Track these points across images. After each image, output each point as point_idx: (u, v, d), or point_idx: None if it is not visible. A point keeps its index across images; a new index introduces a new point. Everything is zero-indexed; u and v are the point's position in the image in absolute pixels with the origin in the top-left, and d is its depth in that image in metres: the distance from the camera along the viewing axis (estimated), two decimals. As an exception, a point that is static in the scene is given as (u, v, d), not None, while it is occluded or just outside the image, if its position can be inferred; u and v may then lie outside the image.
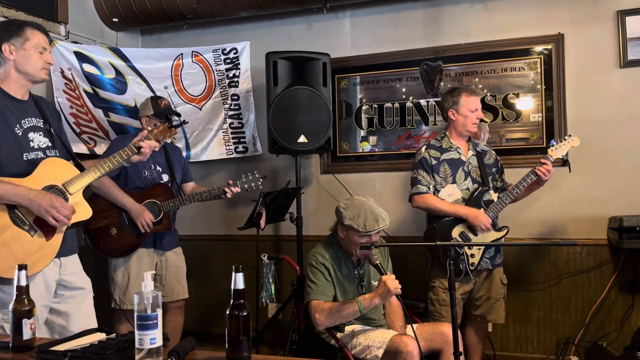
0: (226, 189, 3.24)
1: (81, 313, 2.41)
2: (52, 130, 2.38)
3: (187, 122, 3.23)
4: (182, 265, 3.44)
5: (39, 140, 2.31)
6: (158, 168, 3.28)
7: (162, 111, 3.23)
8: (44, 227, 2.19)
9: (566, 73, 3.55)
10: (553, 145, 3.01)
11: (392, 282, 2.35)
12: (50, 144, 2.36)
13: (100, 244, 3.11)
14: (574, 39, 3.54)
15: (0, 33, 2.27)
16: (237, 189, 3.28)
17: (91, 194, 3.08)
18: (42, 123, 2.35)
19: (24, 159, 2.24)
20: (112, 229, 3.12)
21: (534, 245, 3.58)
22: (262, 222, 3.30)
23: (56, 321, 2.37)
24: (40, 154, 2.30)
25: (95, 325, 2.40)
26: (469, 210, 2.98)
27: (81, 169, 2.39)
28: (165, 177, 3.31)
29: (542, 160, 2.97)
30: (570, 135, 3.07)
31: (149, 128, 3.22)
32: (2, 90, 2.26)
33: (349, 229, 2.55)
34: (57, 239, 2.24)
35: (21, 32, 2.26)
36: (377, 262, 2.42)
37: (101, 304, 3.47)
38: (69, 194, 2.26)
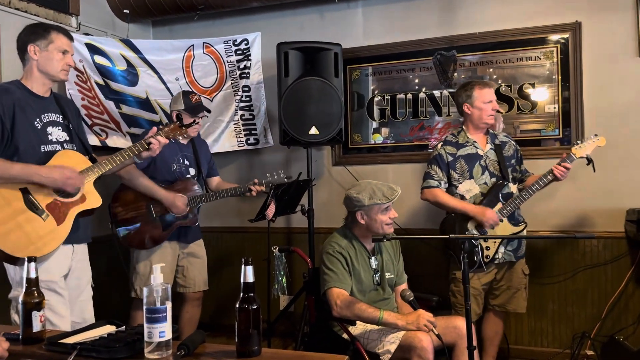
0: (252, 188, 3.25)
1: (80, 303, 2.52)
2: (71, 126, 2.51)
3: (198, 123, 3.24)
4: (204, 257, 3.46)
5: (57, 134, 2.45)
6: (186, 162, 3.30)
7: (192, 106, 3.25)
8: (55, 213, 2.33)
9: (583, 62, 3.47)
10: (577, 144, 2.96)
11: (424, 320, 2.33)
12: (68, 138, 2.49)
13: (127, 234, 3.14)
14: (592, 27, 3.45)
15: (28, 34, 2.43)
16: (262, 188, 3.28)
17: (121, 185, 3.12)
18: (61, 119, 2.49)
19: (42, 150, 2.37)
20: (140, 221, 3.13)
21: (551, 238, 3.53)
22: (270, 212, 3.28)
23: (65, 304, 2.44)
24: (58, 147, 2.43)
25: (92, 316, 2.55)
26: (476, 208, 2.96)
27: (94, 162, 2.52)
28: (192, 171, 3.32)
29: (563, 164, 2.92)
30: (596, 135, 2.99)
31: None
32: (24, 87, 2.42)
33: (371, 208, 2.55)
34: (67, 224, 2.37)
35: (46, 34, 2.41)
36: (411, 299, 2.43)
37: (119, 292, 3.51)
38: None
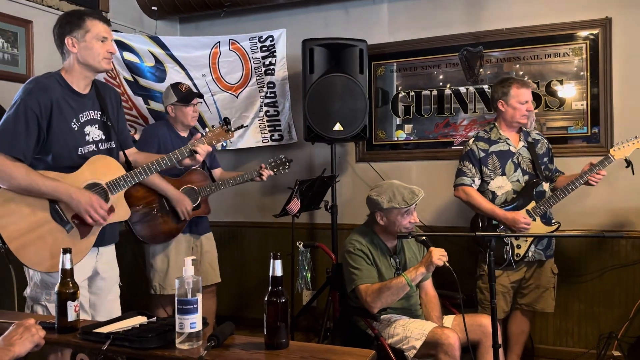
0: (262, 172, 3.30)
1: (107, 303, 2.47)
2: (109, 123, 2.41)
3: (247, 127, 3.19)
4: (214, 250, 3.50)
5: (94, 133, 2.36)
6: None
7: (186, 95, 3.26)
8: (81, 226, 2.24)
9: (613, 59, 3.40)
10: (616, 145, 2.93)
11: (436, 253, 2.37)
12: (103, 137, 2.40)
13: (142, 230, 3.15)
14: (623, 23, 3.39)
15: (63, 27, 2.28)
16: (271, 172, 3.35)
17: None
18: (99, 115, 2.39)
19: (78, 153, 2.29)
20: (154, 216, 3.17)
21: (579, 237, 3.47)
22: (294, 208, 3.30)
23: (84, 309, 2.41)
24: (93, 147, 2.34)
25: (119, 314, 2.43)
26: (506, 214, 2.92)
27: (129, 164, 2.44)
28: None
29: (599, 172, 2.90)
30: (637, 137, 2.94)
31: (173, 115, 3.28)
32: (65, 82, 2.29)
33: (390, 211, 2.55)
34: (92, 237, 2.29)
35: (81, 23, 2.27)
36: (423, 237, 2.48)
37: (139, 288, 3.56)
38: (111, 194, 2.31)
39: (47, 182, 2.16)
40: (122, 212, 2.39)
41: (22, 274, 2.37)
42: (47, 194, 2.17)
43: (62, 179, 2.21)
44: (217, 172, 3.55)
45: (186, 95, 3.26)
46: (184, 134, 3.34)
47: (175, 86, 3.32)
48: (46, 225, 2.18)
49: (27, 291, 2.30)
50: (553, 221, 3.06)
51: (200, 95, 3.42)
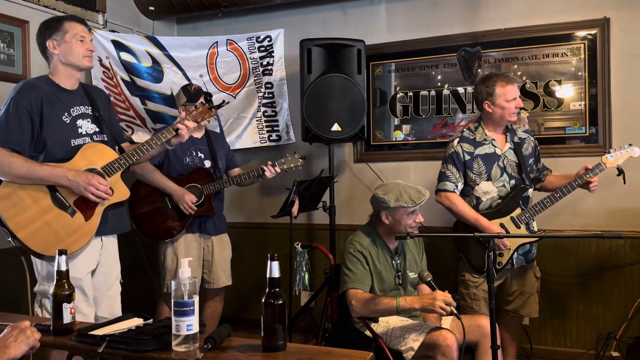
0: (265, 168, 3.24)
1: (108, 299, 2.52)
2: (101, 117, 2.51)
3: (228, 103, 3.23)
4: (226, 252, 3.47)
5: (87, 126, 2.45)
6: (200, 155, 3.32)
7: (194, 94, 3.27)
8: (83, 209, 2.33)
9: (611, 59, 3.40)
10: (609, 153, 2.86)
11: (440, 302, 2.26)
12: (98, 130, 2.49)
13: (146, 228, 3.20)
14: (621, 23, 3.39)
15: (43, 32, 2.42)
16: (277, 169, 3.27)
17: (135, 181, 3.17)
18: (90, 110, 2.49)
19: (72, 145, 2.38)
20: (157, 213, 3.19)
21: (577, 238, 3.47)
22: (295, 210, 3.30)
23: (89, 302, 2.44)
24: (88, 140, 2.44)
25: (119, 312, 2.53)
26: (491, 226, 2.81)
27: (122, 152, 2.51)
28: (207, 164, 3.34)
29: (593, 181, 2.84)
30: (630, 145, 2.86)
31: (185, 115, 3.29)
32: (53, 82, 2.42)
33: (397, 210, 2.54)
34: (96, 219, 2.37)
35: (60, 26, 2.41)
36: (429, 279, 2.39)
37: (144, 288, 3.56)
38: (107, 176, 2.38)
39: (45, 168, 2.26)
40: (121, 193, 2.46)
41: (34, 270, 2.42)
42: (46, 179, 2.26)
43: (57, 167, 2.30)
44: (235, 172, 3.53)
45: (194, 95, 3.27)
46: (198, 134, 3.33)
47: (185, 87, 3.34)
48: (50, 212, 2.28)
49: (36, 286, 2.37)
50: (537, 231, 2.97)
51: (209, 94, 3.41)
